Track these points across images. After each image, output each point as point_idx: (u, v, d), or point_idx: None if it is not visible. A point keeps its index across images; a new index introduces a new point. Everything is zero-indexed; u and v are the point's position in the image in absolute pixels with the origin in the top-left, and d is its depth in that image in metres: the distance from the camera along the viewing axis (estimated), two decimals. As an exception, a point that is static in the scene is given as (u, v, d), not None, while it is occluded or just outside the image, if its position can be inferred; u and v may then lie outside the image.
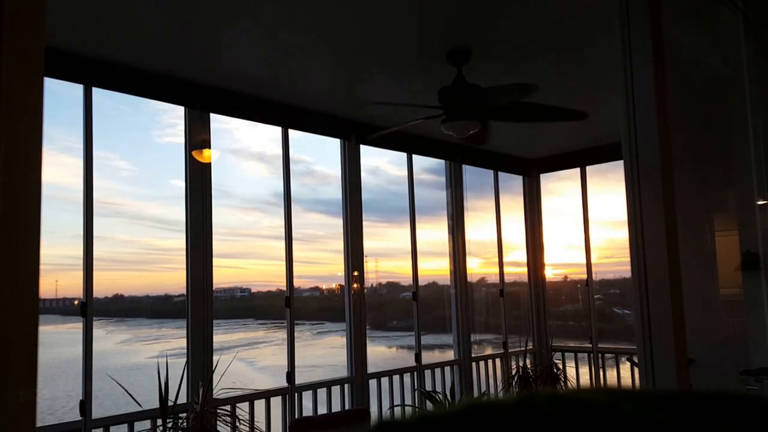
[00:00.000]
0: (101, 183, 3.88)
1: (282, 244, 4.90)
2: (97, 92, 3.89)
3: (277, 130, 4.96)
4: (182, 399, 3.98)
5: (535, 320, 7.07)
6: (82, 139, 3.85)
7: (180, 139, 4.38)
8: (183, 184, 4.35)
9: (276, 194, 4.93)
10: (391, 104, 4.50)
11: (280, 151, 4.95)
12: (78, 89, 3.85)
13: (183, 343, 4.25)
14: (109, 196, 4.46)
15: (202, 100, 4.35)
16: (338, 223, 5.41)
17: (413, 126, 4.67)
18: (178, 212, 4.36)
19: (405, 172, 6.01)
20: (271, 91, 4.73)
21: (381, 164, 5.27)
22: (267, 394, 4.64)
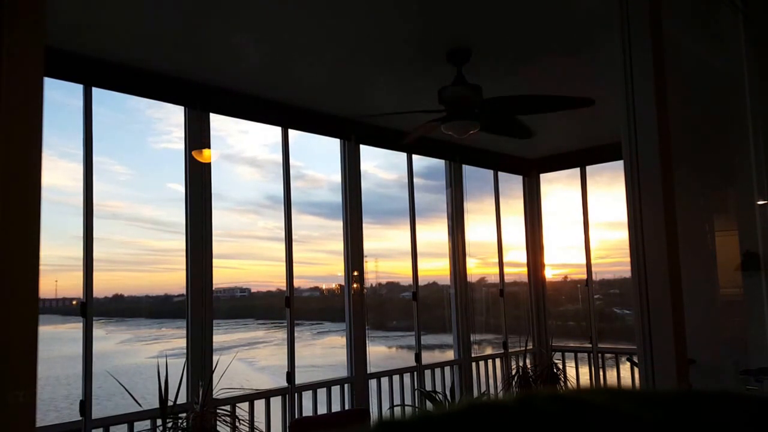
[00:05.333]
0: (98, 186, 3.88)
1: (278, 245, 4.91)
2: (93, 99, 3.88)
3: (269, 136, 4.98)
4: (182, 399, 3.98)
5: (535, 320, 7.07)
6: (79, 145, 3.87)
7: (175, 145, 4.39)
8: (179, 188, 4.35)
9: (269, 197, 4.97)
10: (390, 114, 4.49)
11: (271, 156, 4.98)
12: (76, 98, 3.86)
13: (183, 343, 4.25)
14: (106, 199, 4.48)
15: (202, 100, 4.35)
16: (332, 224, 5.43)
17: (412, 126, 4.66)
18: (174, 214, 4.37)
19: (394, 176, 6.03)
20: (271, 91, 4.73)
21: (369, 168, 5.34)
22: (267, 394, 4.64)
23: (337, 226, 5.42)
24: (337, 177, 5.46)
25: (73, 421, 3.68)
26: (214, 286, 4.39)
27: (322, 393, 5.04)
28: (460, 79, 3.92)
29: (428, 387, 5.88)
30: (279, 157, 4.97)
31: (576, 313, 7.40)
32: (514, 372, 6.51)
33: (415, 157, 6.04)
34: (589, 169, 6.76)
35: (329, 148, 5.45)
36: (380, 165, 8.19)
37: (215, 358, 4.28)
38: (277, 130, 4.96)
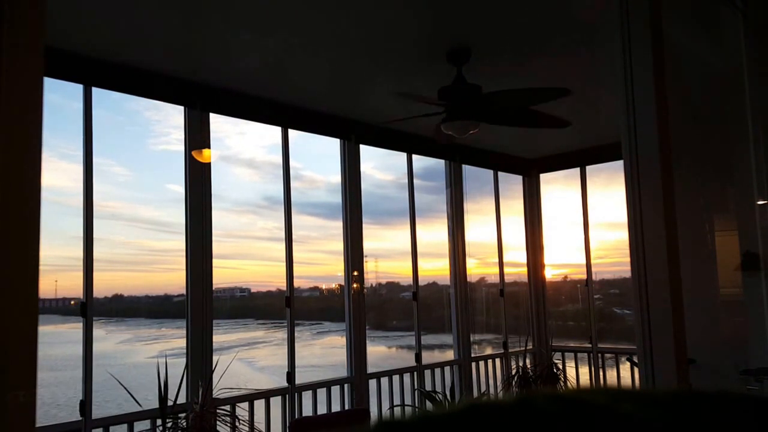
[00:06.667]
0: (98, 187, 3.88)
1: (277, 245, 4.92)
2: (93, 102, 3.88)
3: (267, 138, 5.00)
4: (182, 399, 3.98)
5: (535, 320, 7.07)
6: (79, 147, 3.87)
7: (174, 146, 4.40)
8: (178, 188, 4.36)
9: (267, 197, 4.98)
10: (400, 95, 4.43)
11: (269, 157, 4.99)
12: (76, 100, 3.86)
13: (183, 342, 4.25)
14: (105, 200, 4.50)
15: (202, 100, 4.34)
16: (331, 224, 5.44)
17: (412, 126, 4.66)
18: (174, 215, 4.39)
19: (390, 177, 6.04)
20: (271, 91, 4.73)
21: (367, 169, 5.37)
22: (267, 394, 4.64)
23: (336, 226, 5.43)
24: (334, 178, 5.46)
25: (73, 421, 3.68)
26: (214, 286, 4.38)
27: (322, 393, 5.04)
28: (460, 79, 3.92)
29: (428, 387, 5.88)
30: (276, 158, 4.98)
31: (576, 313, 7.40)
32: (514, 372, 6.51)
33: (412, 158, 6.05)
34: (587, 169, 6.76)
35: (327, 149, 5.46)
36: (377, 166, 8.23)
37: (215, 358, 4.28)
38: (274, 132, 4.96)
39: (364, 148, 5.49)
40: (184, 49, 3.90)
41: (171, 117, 4.38)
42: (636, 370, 4.34)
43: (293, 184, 4.96)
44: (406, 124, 4.58)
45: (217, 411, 4.05)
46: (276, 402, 4.68)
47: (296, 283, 4.92)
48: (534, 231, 7.21)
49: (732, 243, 3.68)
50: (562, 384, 6.52)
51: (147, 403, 3.88)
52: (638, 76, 2.21)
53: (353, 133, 5.35)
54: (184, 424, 3.85)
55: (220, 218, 4.51)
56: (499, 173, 6.95)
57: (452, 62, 3.94)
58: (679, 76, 2.94)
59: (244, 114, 4.77)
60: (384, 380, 5.54)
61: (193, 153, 4.31)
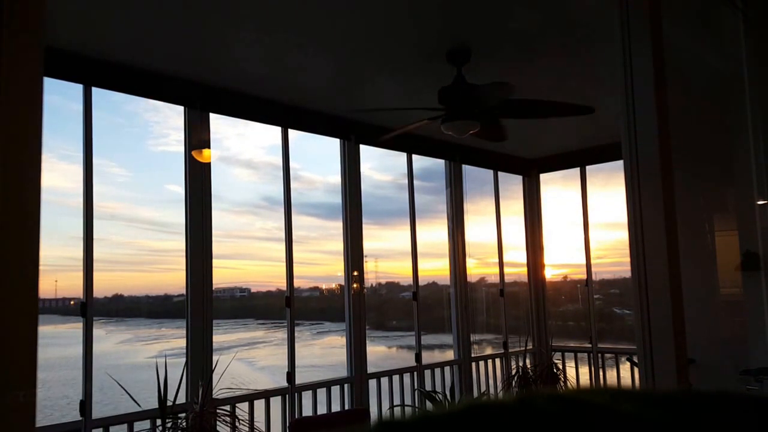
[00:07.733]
0: (97, 188, 3.88)
1: (276, 245, 4.93)
2: (92, 104, 3.88)
3: (265, 139, 5.00)
4: (182, 399, 3.98)
5: (535, 320, 7.07)
6: (78, 148, 3.88)
7: (173, 147, 4.40)
8: (178, 189, 4.36)
9: (265, 198, 4.98)
10: (387, 109, 4.50)
11: (268, 158, 5.00)
12: (75, 101, 3.87)
13: (183, 343, 4.25)
14: (104, 200, 4.50)
15: (202, 100, 4.35)
16: (329, 225, 5.44)
17: (414, 126, 4.66)
18: (173, 215, 4.39)
19: (388, 177, 6.05)
20: (271, 91, 4.73)
21: (364, 170, 5.39)
22: (267, 394, 4.64)
23: (335, 226, 5.43)
24: (332, 178, 5.47)
25: (73, 421, 3.68)
26: (214, 286, 4.38)
27: (321, 393, 5.04)
28: (460, 79, 3.92)
29: (428, 387, 5.88)
30: (275, 159, 4.99)
31: (576, 313, 7.40)
32: (514, 372, 6.51)
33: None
34: (577, 171, 6.77)
35: (325, 150, 5.46)
36: (374, 167, 8.24)
37: (215, 358, 4.28)
38: (273, 133, 4.97)
39: (362, 149, 5.49)
40: (184, 49, 3.90)
41: (170, 118, 4.39)
42: (636, 370, 4.34)
43: (292, 184, 4.96)
44: (407, 121, 4.57)
45: (217, 411, 4.04)
46: (276, 402, 4.68)
47: (296, 283, 4.92)
48: (534, 231, 7.21)
49: (732, 243, 3.69)
50: (562, 384, 6.52)
51: (147, 403, 3.88)
52: (638, 76, 2.21)
53: (353, 133, 5.35)
54: (184, 424, 3.85)
55: (219, 218, 4.50)
56: (499, 173, 6.95)
57: (452, 62, 3.94)
58: (679, 77, 2.93)
59: (244, 114, 4.77)
60: (384, 380, 5.54)
61: (193, 153, 4.31)
